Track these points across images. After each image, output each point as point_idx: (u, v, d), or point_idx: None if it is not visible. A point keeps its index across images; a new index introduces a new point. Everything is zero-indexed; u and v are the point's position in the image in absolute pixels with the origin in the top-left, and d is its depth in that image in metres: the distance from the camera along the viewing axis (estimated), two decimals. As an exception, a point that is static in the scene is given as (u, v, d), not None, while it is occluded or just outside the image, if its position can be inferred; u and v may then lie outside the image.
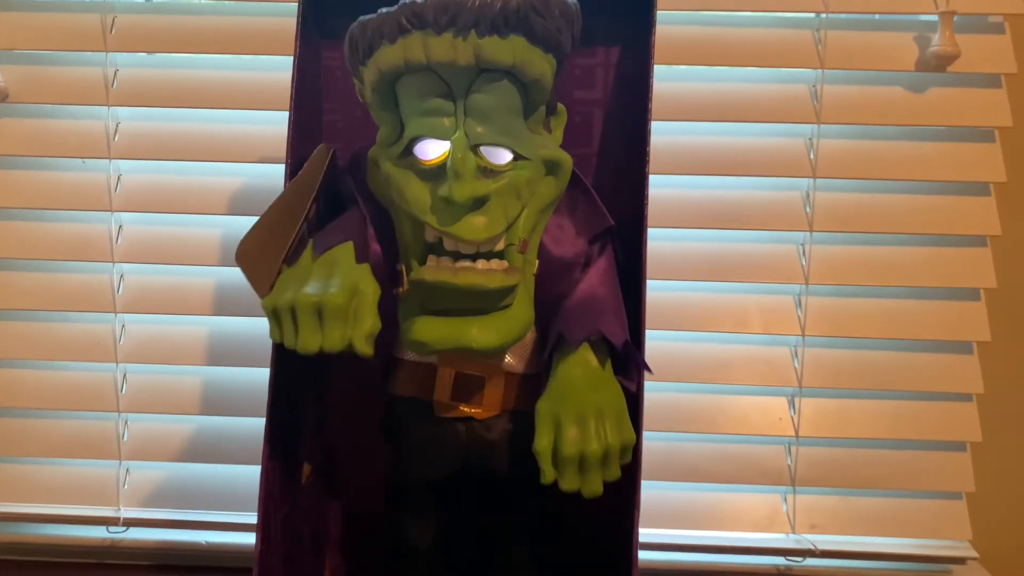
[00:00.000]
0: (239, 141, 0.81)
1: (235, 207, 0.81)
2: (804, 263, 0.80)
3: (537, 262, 0.55)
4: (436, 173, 0.52)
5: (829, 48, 0.78)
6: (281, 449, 0.60)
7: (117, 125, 0.82)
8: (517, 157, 0.53)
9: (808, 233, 0.80)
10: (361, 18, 0.52)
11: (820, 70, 0.79)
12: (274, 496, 0.59)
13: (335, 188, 0.59)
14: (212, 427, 0.83)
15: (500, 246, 0.53)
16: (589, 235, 0.57)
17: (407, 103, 0.53)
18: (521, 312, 0.54)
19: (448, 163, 0.50)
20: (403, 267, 0.54)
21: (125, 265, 0.83)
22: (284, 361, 0.57)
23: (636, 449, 0.54)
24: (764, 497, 0.83)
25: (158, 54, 0.82)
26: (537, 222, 0.54)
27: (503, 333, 0.52)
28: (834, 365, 0.81)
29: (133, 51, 0.81)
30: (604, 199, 0.57)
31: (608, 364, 0.53)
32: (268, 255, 0.54)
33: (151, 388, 0.83)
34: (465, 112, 0.51)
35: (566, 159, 0.55)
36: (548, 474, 0.51)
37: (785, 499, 0.82)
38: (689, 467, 0.82)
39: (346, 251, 0.54)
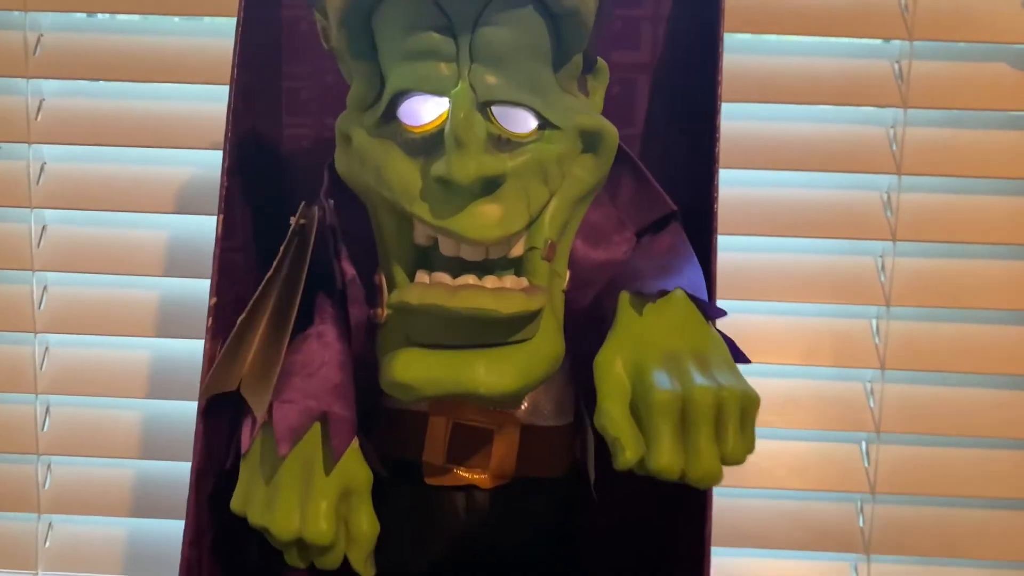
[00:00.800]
0: (187, 123, 0.67)
1: (184, 204, 0.67)
2: (884, 280, 0.67)
3: (568, 274, 0.41)
4: (430, 144, 0.38)
5: (919, 14, 0.65)
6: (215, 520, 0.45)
7: (40, 102, 0.68)
8: (544, 124, 0.39)
9: (891, 243, 0.66)
10: None
11: (908, 41, 0.65)
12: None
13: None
14: (150, 473, 0.69)
15: (519, 251, 0.39)
16: (639, 224, 0.44)
17: (388, 43, 0.39)
18: (547, 343, 0.39)
19: (447, 128, 0.36)
20: (382, 278, 0.40)
21: (49, 274, 0.69)
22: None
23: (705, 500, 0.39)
24: (831, 565, 0.70)
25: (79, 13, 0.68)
26: (570, 217, 0.40)
27: (522, 373, 0.38)
28: (920, 406, 0.68)
29: (58, 10, 0.67)
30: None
31: (697, 311, 0.39)
32: (253, 381, 0.42)
33: (79, 425, 0.70)
34: (471, 55, 0.38)
35: (611, 131, 0.41)
36: (629, 450, 0.34)
37: (856, 568, 0.69)
38: (739, 529, 0.68)
39: (317, 442, 0.40)
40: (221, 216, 0.44)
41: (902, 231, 0.65)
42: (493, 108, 0.38)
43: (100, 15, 0.68)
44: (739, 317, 0.67)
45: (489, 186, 0.37)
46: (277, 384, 0.41)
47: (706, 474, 0.34)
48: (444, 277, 0.38)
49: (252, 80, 0.46)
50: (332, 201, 0.43)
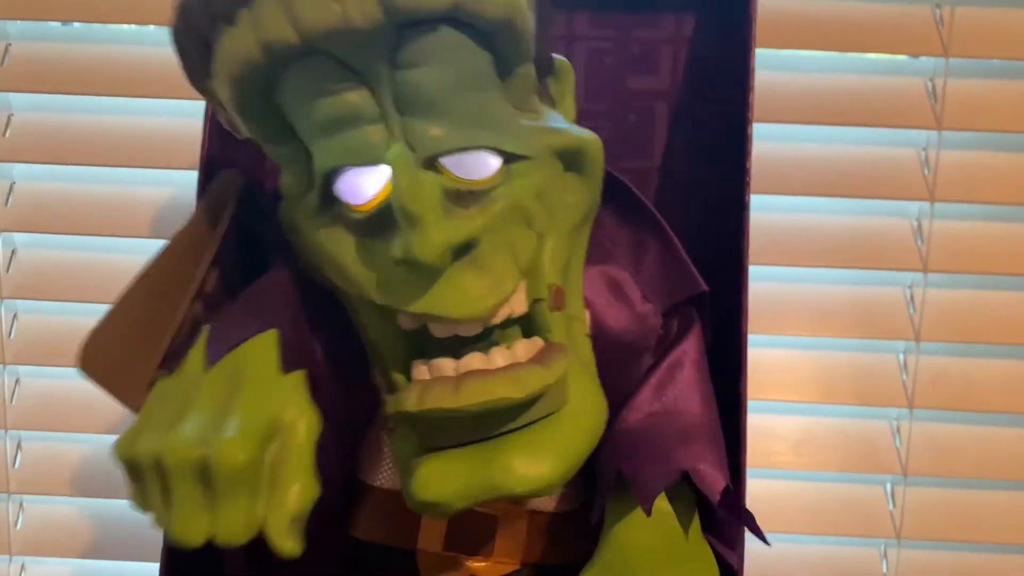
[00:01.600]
0: (167, 140, 0.62)
1: (160, 227, 0.62)
2: (913, 312, 0.63)
3: (588, 314, 0.37)
4: (382, 221, 0.33)
5: (956, 25, 0.60)
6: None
7: (8, 117, 0.63)
8: (509, 158, 0.33)
9: (922, 274, 0.62)
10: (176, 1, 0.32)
11: (944, 58, 0.60)
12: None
13: (252, 233, 0.39)
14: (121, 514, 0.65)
15: (521, 308, 0.34)
16: (665, 303, 0.38)
17: (302, 120, 0.33)
18: (584, 408, 0.34)
19: (393, 202, 0.31)
20: (380, 380, 0.35)
21: (19, 302, 0.64)
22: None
23: None
24: None
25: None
26: (570, 252, 0.35)
27: (563, 454, 0.33)
28: (949, 447, 0.64)
29: (26, 19, 0.62)
30: (680, 228, 0.39)
31: (695, 520, 0.34)
32: (136, 352, 0.34)
33: (49, 461, 0.65)
34: (397, 108, 0.32)
35: (591, 141, 0.35)
36: None
37: None
38: (760, 571, 0.63)
39: (261, 350, 0.32)
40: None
41: (934, 261, 0.61)
42: (442, 160, 0.32)
43: (74, 24, 0.63)
44: (761, 351, 0.63)
45: (463, 251, 0.32)
46: (216, 321, 0.35)
47: None
48: (445, 364, 0.33)
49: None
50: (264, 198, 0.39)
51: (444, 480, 0.32)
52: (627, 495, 0.34)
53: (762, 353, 0.63)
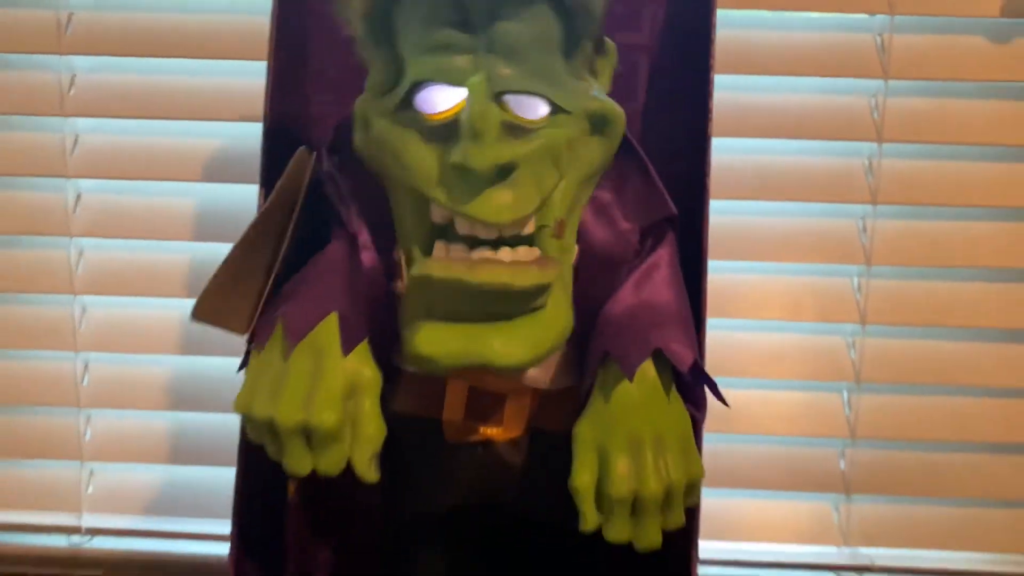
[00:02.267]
0: (214, 96, 0.71)
1: (211, 173, 0.71)
2: (865, 241, 0.72)
3: (577, 249, 0.45)
4: (447, 132, 0.41)
5: None
6: (257, 469, 0.50)
7: (73, 78, 0.72)
8: (555, 110, 0.42)
9: (871, 206, 0.71)
10: None
11: (889, 16, 0.69)
12: (252, 508, 0.50)
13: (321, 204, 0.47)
14: (185, 423, 0.75)
15: (530, 229, 0.42)
16: (642, 222, 0.47)
17: (408, 35, 0.42)
18: (557, 316, 0.43)
19: (464, 117, 0.40)
20: (403, 254, 0.44)
21: (84, 240, 0.73)
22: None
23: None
24: (814, 506, 0.75)
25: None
26: (577, 197, 0.44)
27: (534, 345, 0.42)
28: (897, 358, 0.73)
29: None
30: (661, 168, 0.47)
31: (671, 387, 0.43)
32: (236, 300, 0.44)
33: (116, 379, 0.75)
34: (488, 47, 0.41)
35: (618, 113, 0.44)
36: (590, 519, 0.41)
37: (838, 508, 0.74)
38: (729, 471, 0.74)
39: (329, 333, 0.42)
40: (262, 189, 0.48)
41: (883, 194, 0.70)
42: (508, 97, 0.41)
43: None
44: (729, 276, 0.72)
45: (503, 172, 0.40)
46: (289, 291, 0.44)
47: (649, 544, 0.41)
48: (461, 250, 0.41)
49: (285, 65, 0.50)
50: (337, 157, 0.47)
51: (440, 342, 0.41)
52: (613, 369, 0.43)
53: (733, 278, 0.72)
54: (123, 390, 0.74)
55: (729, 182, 0.69)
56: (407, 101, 0.42)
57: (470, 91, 0.40)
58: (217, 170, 0.71)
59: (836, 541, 0.74)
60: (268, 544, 0.54)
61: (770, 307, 0.73)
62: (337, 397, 0.40)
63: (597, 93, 0.44)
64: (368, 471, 0.41)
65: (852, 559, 0.74)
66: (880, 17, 0.70)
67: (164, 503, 0.76)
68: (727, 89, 0.68)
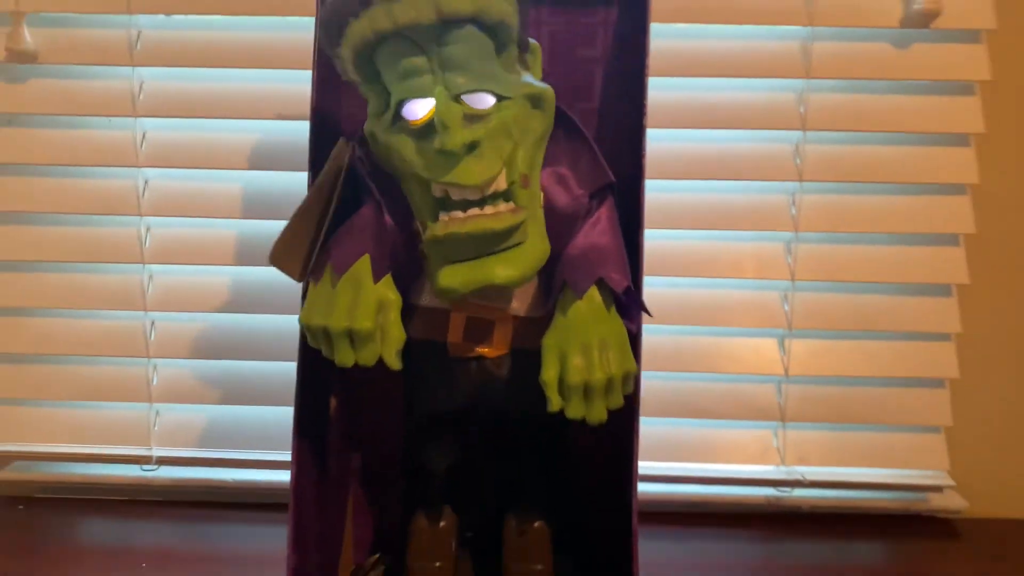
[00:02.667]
0: (260, 98, 0.86)
1: (256, 162, 0.86)
2: (794, 212, 0.86)
3: (543, 195, 0.59)
4: (427, 130, 0.54)
5: (818, 6, 0.83)
6: (312, 388, 0.64)
7: (141, 84, 0.86)
8: (500, 98, 0.55)
9: (798, 183, 0.85)
10: (326, 1, 0.55)
11: (810, 27, 0.84)
12: (307, 432, 0.64)
13: (354, 180, 0.62)
14: (238, 370, 0.89)
15: (503, 186, 0.55)
16: (590, 189, 0.61)
17: (387, 72, 0.56)
18: (536, 244, 0.57)
19: (436, 117, 0.53)
20: (419, 225, 0.58)
21: (151, 219, 0.88)
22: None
23: (635, 385, 0.58)
24: (756, 432, 0.89)
25: (179, 16, 0.86)
26: (534, 156, 0.57)
27: (524, 264, 0.56)
28: (822, 308, 0.87)
29: (155, 12, 0.85)
30: (605, 152, 0.61)
31: (612, 305, 0.57)
32: (294, 249, 0.59)
33: (179, 334, 0.89)
34: (441, 67, 0.54)
35: (547, 91, 0.57)
36: (555, 402, 0.55)
37: (776, 434, 0.89)
38: (685, 404, 0.88)
39: (364, 268, 0.57)
40: (310, 172, 0.63)
41: (807, 174, 0.84)
42: (463, 97, 0.54)
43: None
44: (687, 242, 0.86)
45: (471, 148, 0.54)
46: (333, 242, 0.58)
47: (596, 419, 0.55)
48: (458, 214, 0.55)
49: (325, 73, 0.64)
50: (364, 148, 0.60)
51: (455, 276, 0.55)
52: (569, 293, 0.57)
53: (681, 244, 0.87)
54: (184, 343, 0.88)
55: (676, 165, 0.84)
56: (397, 116, 0.56)
57: (436, 99, 0.54)
58: (262, 160, 0.86)
59: (775, 461, 0.88)
60: (321, 466, 0.69)
61: (718, 267, 0.87)
62: (371, 310, 0.55)
63: (530, 79, 0.58)
64: (394, 362, 0.56)
65: (788, 475, 0.87)
66: (801, 28, 0.84)
67: (222, 438, 0.90)
68: (665, 88, 0.83)
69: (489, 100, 0.55)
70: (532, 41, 0.60)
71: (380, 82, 0.57)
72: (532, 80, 0.58)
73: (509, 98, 0.55)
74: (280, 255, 0.58)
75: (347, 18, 0.54)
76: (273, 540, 0.80)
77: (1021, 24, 0.85)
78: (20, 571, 0.80)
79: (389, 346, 0.55)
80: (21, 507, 0.90)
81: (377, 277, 0.56)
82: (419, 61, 0.54)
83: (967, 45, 0.84)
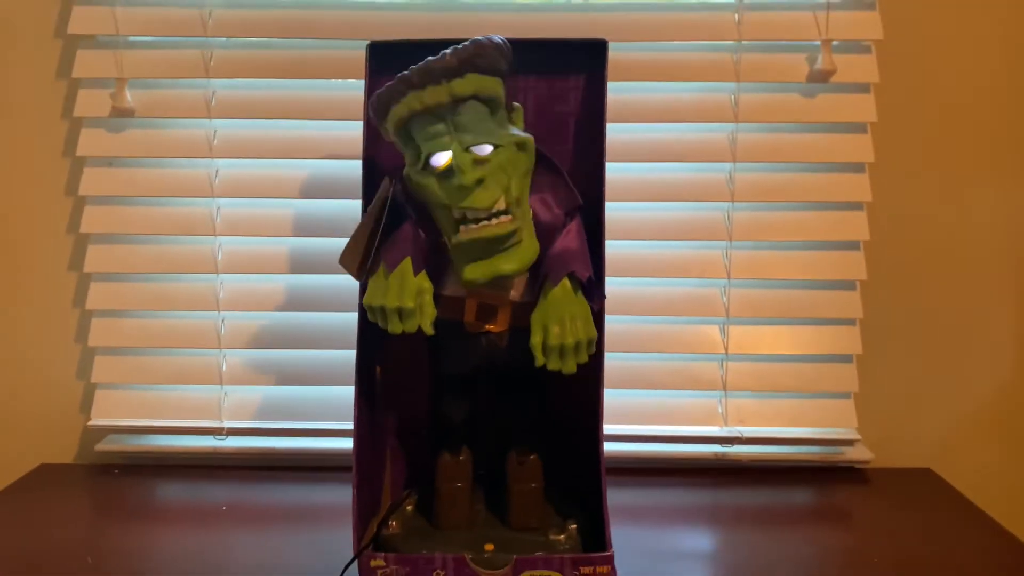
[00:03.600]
0: (314, 141, 1.07)
1: (309, 192, 1.06)
2: (728, 225, 1.06)
3: (532, 211, 0.78)
4: (447, 173, 0.74)
5: (743, 65, 1.04)
6: (365, 364, 0.84)
7: (215, 132, 1.07)
8: (496, 146, 0.75)
9: (731, 203, 1.06)
10: (377, 92, 0.76)
11: (736, 82, 1.05)
12: (363, 397, 0.82)
13: (396, 206, 0.81)
14: (292, 358, 1.10)
15: (503, 206, 0.75)
16: (565, 209, 0.81)
17: (418, 135, 0.76)
18: (530, 244, 0.77)
19: (453, 164, 0.74)
20: (446, 239, 0.77)
21: (223, 238, 1.08)
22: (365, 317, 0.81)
23: (599, 349, 0.78)
24: (703, 400, 1.09)
25: (250, 79, 1.08)
26: (523, 184, 0.77)
27: (522, 259, 0.76)
28: (752, 301, 1.07)
29: (229, 77, 1.06)
30: (577, 182, 0.81)
31: (579, 290, 0.77)
32: (355, 255, 0.79)
33: (244, 330, 1.09)
34: (455, 129, 0.75)
35: (529, 139, 0.77)
36: (539, 360, 0.75)
37: (720, 401, 1.09)
38: (645, 378, 1.07)
39: (407, 266, 0.75)
40: (363, 198, 0.84)
41: (738, 196, 1.05)
42: (472, 148, 0.72)
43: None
44: (637, 252, 1.06)
45: (479, 182, 0.71)
46: (384, 248, 0.76)
47: (569, 370, 0.73)
48: (472, 226, 0.74)
49: (371, 125, 0.84)
50: (399, 184, 0.80)
51: (475, 271, 0.75)
52: (548, 283, 0.76)
53: (634, 252, 1.08)
54: (249, 337, 1.08)
55: (628, 190, 1.05)
56: (426, 164, 0.76)
57: (453, 151, 0.74)
58: (315, 190, 1.07)
59: (719, 423, 1.08)
60: (370, 424, 0.85)
61: (670, 269, 1.06)
62: (414, 294, 0.75)
63: (516, 131, 0.77)
64: (429, 329, 0.74)
65: (729, 434, 1.07)
66: (730, 84, 1.05)
67: (279, 412, 1.09)
68: (623, 132, 1.04)
69: (488, 148, 0.75)
70: (516, 104, 0.81)
71: (413, 142, 0.77)
72: (517, 131, 0.78)
73: (502, 146, 0.75)
74: (346, 259, 0.80)
75: (391, 104, 0.76)
76: (324, 496, 1.02)
77: (899, 80, 1.07)
78: (117, 524, 0.95)
79: (427, 318, 0.76)
80: (116, 471, 1.09)
81: (416, 272, 0.76)
82: (440, 127, 0.75)
83: (858, 95, 1.05)
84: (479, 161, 0.74)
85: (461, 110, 0.75)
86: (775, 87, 1.06)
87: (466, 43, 0.74)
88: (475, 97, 0.75)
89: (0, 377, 1.15)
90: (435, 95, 0.74)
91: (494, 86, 0.76)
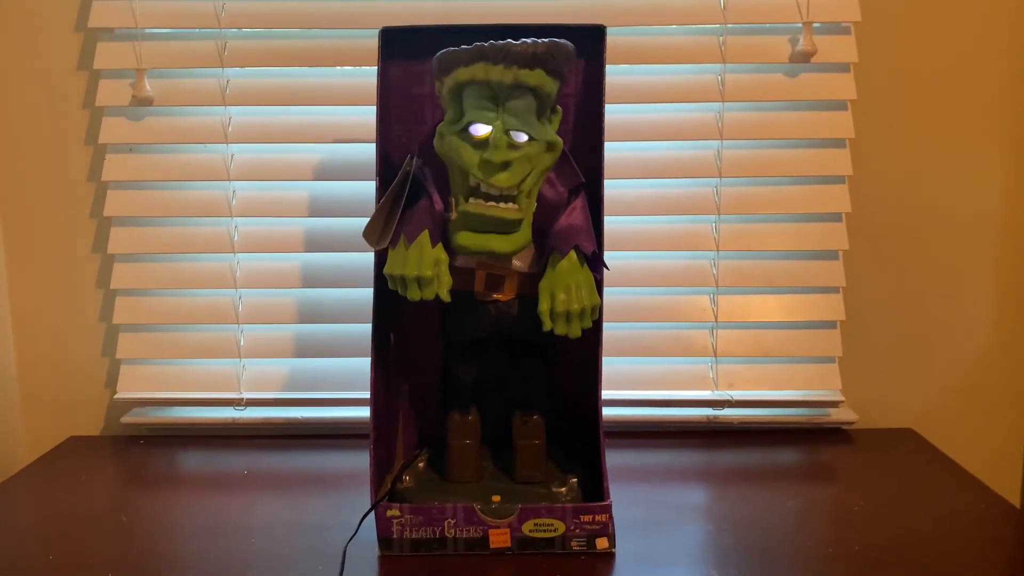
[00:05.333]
0: (324, 126, 1.12)
1: (320, 174, 1.12)
2: (717, 200, 1.12)
3: (535, 204, 0.84)
4: (482, 144, 0.79)
5: (729, 48, 1.10)
6: (381, 330, 0.89)
7: (230, 119, 1.12)
8: (531, 138, 0.80)
9: (719, 179, 1.11)
10: (446, 49, 0.81)
11: (723, 64, 1.10)
12: (378, 364, 0.87)
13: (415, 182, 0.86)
14: (307, 331, 1.15)
15: (515, 193, 0.80)
16: (568, 186, 0.87)
17: (469, 101, 0.81)
18: (525, 233, 0.83)
19: (490, 138, 0.78)
20: (453, 200, 0.83)
21: (239, 219, 1.13)
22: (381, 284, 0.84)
23: (599, 316, 0.83)
24: (695, 366, 1.15)
25: (263, 67, 1.13)
26: (537, 179, 0.83)
27: (513, 244, 0.81)
28: (740, 271, 1.12)
29: (243, 66, 1.11)
30: (577, 161, 0.86)
31: (584, 263, 0.83)
32: (376, 228, 0.84)
33: (261, 306, 1.14)
34: (503, 110, 0.80)
35: (559, 142, 0.83)
36: (547, 325, 0.81)
37: (711, 367, 1.14)
38: (641, 346, 1.13)
39: (425, 238, 0.80)
40: (377, 179, 0.90)
41: (725, 171, 1.10)
42: (511, 132, 0.76)
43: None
44: (634, 226, 1.11)
45: (506, 164, 0.75)
46: (403, 221, 0.80)
47: (574, 335, 0.78)
48: (481, 201, 0.79)
49: (383, 107, 0.89)
50: (420, 160, 0.85)
51: (471, 239, 0.80)
52: (555, 255, 0.82)
53: (631, 227, 1.14)
54: (265, 313, 1.14)
55: (624, 167, 1.10)
56: (464, 129, 0.81)
57: (494, 128, 0.79)
58: (326, 172, 1.12)
59: (710, 387, 1.14)
60: (385, 389, 0.91)
61: (663, 243, 1.12)
62: (431, 264, 0.80)
63: (550, 133, 0.82)
64: (446, 296, 0.78)
65: (719, 397, 1.13)
66: (716, 65, 1.11)
67: (295, 384, 1.14)
68: (619, 112, 1.09)
69: (525, 137, 0.80)
70: (559, 108, 0.85)
71: (459, 104, 0.82)
72: (550, 133, 0.83)
73: (536, 139, 0.80)
74: (369, 232, 0.85)
75: (458, 65, 0.80)
76: (341, 461, 1.08)
77: (877, 59, 1.13)
78: (144, 491, 1.00)
79: (443, 286, 0.81)
80: (142, 442, 1.14)
81: (433, 243, 0.82)
82: (491, 103, 0.80)
83: (839, 74, 1.10)
84: (513, 145, 0.79)
85: (516, 96, 0.79)
86: (759, 68, 1.11)
87: (544, 41, 0.79)
88: (533, 90, 0.80)
89: (30, 355, 1.20)
90: (502, 74, 0.78)
91: (552, 88, 0.81)
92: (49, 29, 1.13)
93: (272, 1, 1.11)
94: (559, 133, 0.83)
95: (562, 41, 0.80)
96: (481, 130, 0.79)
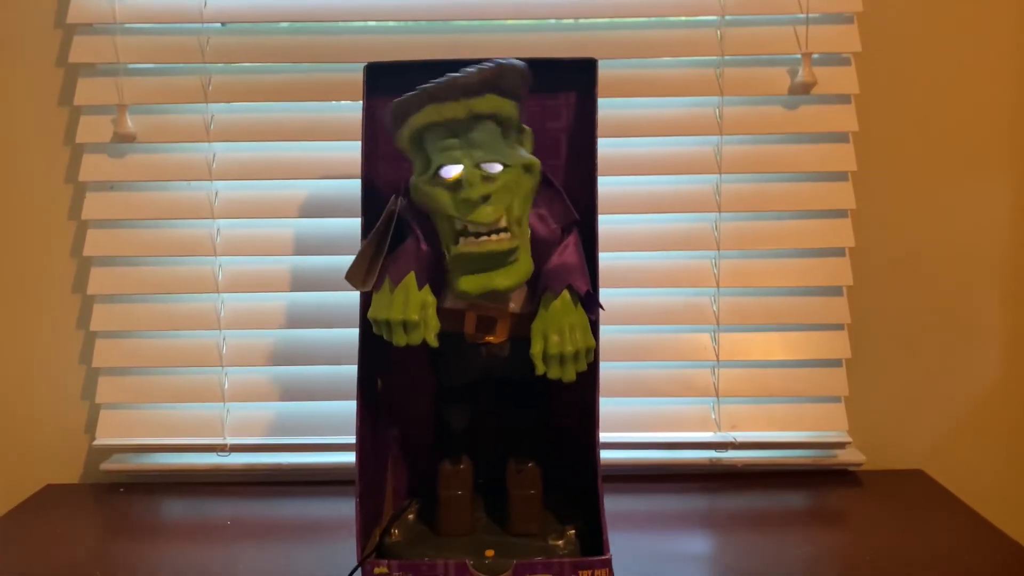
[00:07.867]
0: (310, 162, 1.10)
1: (306, 211, 1.09)
2: (716, 235, 1.09)
3: (530, 231, 0.81)
4: (455, 185, 0.77)
5: (726, 80, 1.07)
6: (367, 376, 0.86)
7: (214, 155, 1.10)
8: (504, 165, 0.78)
9: (718, 213, 1.09)
10: (396, 99, 0.79)
11: (720, 96, 1.08)
12: (365, 410, 0.84)
13: (400, 222, 0.84)
14: (293, 374, 1.12)
15: (504, 224, 0.77)
16: (561, 224, 0.83)
17: (431, 146, 0.79)
18: (525, 262, 0.79)
19: (463, 177, 0.76)
20: (446, 249, 0.79)
21: (224, 258, 1.11)
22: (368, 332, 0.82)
23: (595, 358, 0.80)
24: (697, 407, 1.11)
25: (248, 103, 1.11)
26: (524, 204, 0.80)
27: (516, 276, 0.78)
28: (742, 308, 1.09)
29: (228, 101, 1.09)
30: (570, 196, 0.84)
31: (578, 303, 0.80)
32: (361, 270, 0.81)
33: (245, 348, 1.11)
34: (468, 145, 0.77)
35: (535, 161, 0.80)
36: (540, 368, 0.77)
37: (713, 407, 1.11)
38: (640, 386, 1.10)
39: (412, 280, 0.77)
40: (362, 216, 0.87)
41: (724, 207, 1.08)
42: (482, 164, 0.74)
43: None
44: (631, 262, 1.09)
45: (485, 198, 0.73)
46: (388, 263, 0.77)
47: (569, 378, 0.75)
48: (473, 239, 0.76)
49: (369, 144, 0.87)
50: (405, 200, 0.82)
51: (471, 283, 0.77)
52: (548, 295, 0.79)
53: (627, 262, 1.12)
54: (250, 355, 1.11)
55: (619, 202, 1.08)
56: (435, 175, 0.78)
57: (464, 166, 0.76)
58: (311, 209, 1.09)
59: (713, 429, 1.10)
60: (372, 435, 0.87)
61: (662, 279, 1.09)
62: (418, 308, 0.77)
63: (524, 153, 0.80)
64: (433, 341, 0.75)
65: (722, 438, 1.09)
66: (714, 97, 1.08)
67: (280, 428, 1.11)
68: (613, 147, 1.07)
69: (498, 167, 0.77)
70: (526, 128, 0.83)
71: (424, 151, 0.79)
72: (525, 153, 0.81)
73: (511, 166, 0.78)
74: (352, 274, 0.82)
75: (409, 113, 0.78)
76: (328, 509, 1.04)
77: (878, 91, 1.11)
78: (124, 542, 0.97)
79: (431, 331, 0.78)
80: (122, 490, 1.10)
81: (420, 286, 0.79)
82: (453, 141, 0.77)
83: (839, 106, 1.08)
84: (487, 178, 0.76)
85: (476, 127, 0.77)
86: (758, 100, 1.09)
87: (490, 64, 0.77)
88: (491, 117, 0.78)
89: (6, 399, 1.17)
90: (454, 110, 0.77)
91: (511, 109, 0.79)
92: (30, 64, 1.11)
93: (257, 36, 1.09)
94: (550, 167, 0.81)
95: (507, 61, 0.78)
96: (452, 171, 0.76)
